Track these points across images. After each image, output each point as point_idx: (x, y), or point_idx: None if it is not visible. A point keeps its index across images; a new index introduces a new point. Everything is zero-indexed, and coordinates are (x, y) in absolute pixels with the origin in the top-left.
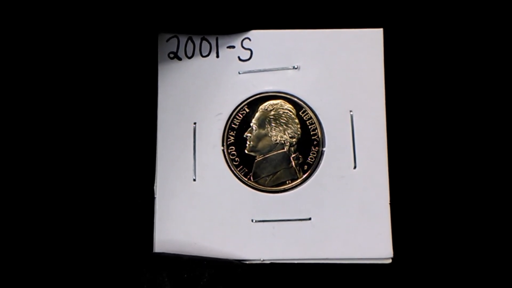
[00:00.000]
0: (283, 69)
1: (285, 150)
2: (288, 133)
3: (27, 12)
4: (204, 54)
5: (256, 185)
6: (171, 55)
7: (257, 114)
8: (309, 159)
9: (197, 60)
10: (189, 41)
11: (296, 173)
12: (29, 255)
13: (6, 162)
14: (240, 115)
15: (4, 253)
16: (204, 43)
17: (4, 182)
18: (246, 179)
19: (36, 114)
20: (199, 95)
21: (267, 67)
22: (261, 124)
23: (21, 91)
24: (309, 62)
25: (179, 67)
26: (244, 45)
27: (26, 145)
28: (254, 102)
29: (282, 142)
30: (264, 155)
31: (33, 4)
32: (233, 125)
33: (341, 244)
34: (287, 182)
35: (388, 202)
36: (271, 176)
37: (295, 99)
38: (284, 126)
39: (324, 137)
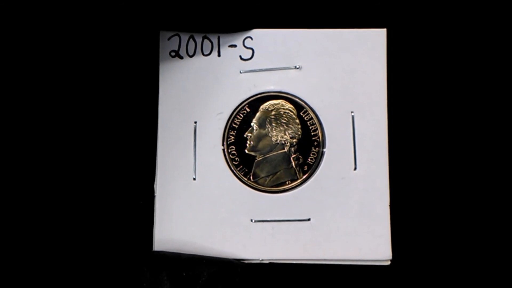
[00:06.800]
0: (284, 68)
1: (285, 150)
2: (289, 134)
3: (27, 11)
4: (205, 53)
5: (256, 185)
6: (173, 54)
7: (257, 114)
8: (309, 159)
9: (199, 59)
10: (191, 40)
11: (296, 173)
12: (29, 254)
13: (7, 162)
14: (240, 114)
15: (4, 253)
16: (206, 41)
17: (5, 182)
18: (246, 179)
19: (36, 113)
20: (200, 94)
21: (268, 67)
22: (262, 124)
23: (22, 91)
24: (311, 62)
25: (180, 65)
26: (246, 44)
27: (26, 145)
28: (255, 102)
29: (283, 142)
30: (264, 155)
31: (33, 3)
32: (233, 125)
33: (340, 245)
34: (287, 182)
35: (388, 204)
36: (271, 176)
37: (296, 99)
38: (285, 126)
39: (325, 138)
